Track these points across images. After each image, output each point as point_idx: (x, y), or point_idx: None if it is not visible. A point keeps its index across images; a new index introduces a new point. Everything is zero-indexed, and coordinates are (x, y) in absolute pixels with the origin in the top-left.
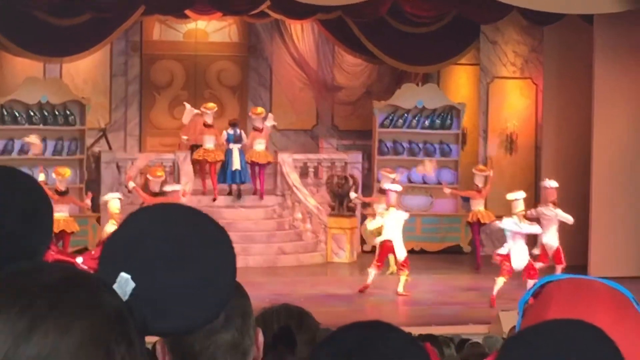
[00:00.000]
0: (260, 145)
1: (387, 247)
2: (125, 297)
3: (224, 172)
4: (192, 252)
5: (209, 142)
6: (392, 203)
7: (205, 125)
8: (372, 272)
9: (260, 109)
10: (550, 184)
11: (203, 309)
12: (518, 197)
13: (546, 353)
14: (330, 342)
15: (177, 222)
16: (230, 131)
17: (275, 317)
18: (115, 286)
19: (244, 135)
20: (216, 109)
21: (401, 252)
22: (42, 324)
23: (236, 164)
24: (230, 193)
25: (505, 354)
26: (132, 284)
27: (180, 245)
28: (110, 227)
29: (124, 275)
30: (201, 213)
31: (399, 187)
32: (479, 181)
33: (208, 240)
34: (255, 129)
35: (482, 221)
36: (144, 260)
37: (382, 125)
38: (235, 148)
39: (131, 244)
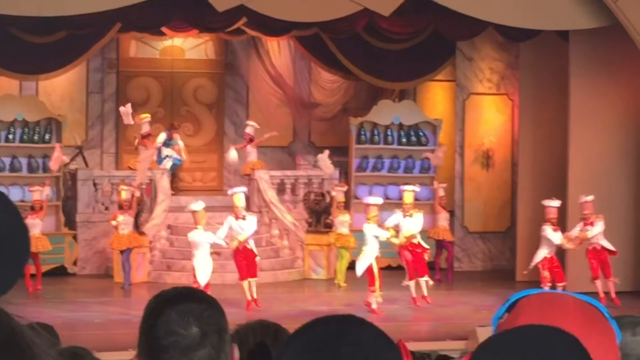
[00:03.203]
0: (254, 155)
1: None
2: None
3: None
4: None
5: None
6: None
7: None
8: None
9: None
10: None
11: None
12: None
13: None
14: (303, 333)
15: None
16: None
17: (251, 333)
18: None
19: (179, 140)
20: (149, 118)
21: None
22: None
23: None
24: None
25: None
26: None
27: None
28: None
29: None
30: None
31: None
32: (441, 193)
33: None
34: (250, 140)
35: (444, 238)
36: None
37: (358, 141)
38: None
39: None
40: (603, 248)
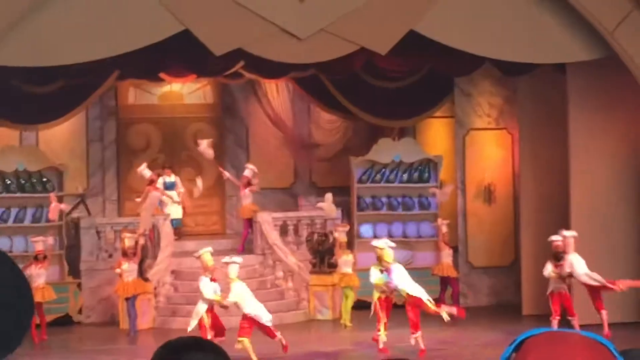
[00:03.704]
0: (250, 198)
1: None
2: None
3: None
4: None
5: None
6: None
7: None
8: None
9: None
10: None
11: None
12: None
13: None
14: None
15: None
16: (168, 178)
17: None
18: None
19: (179, 181)
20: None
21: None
22: None
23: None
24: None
25: None
26: None
27: None
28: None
29: None
30: None
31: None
32: (444, 230)
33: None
34: (247, 183)
35: (448, 275)
36: None
37: (360, 180)
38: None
39: None
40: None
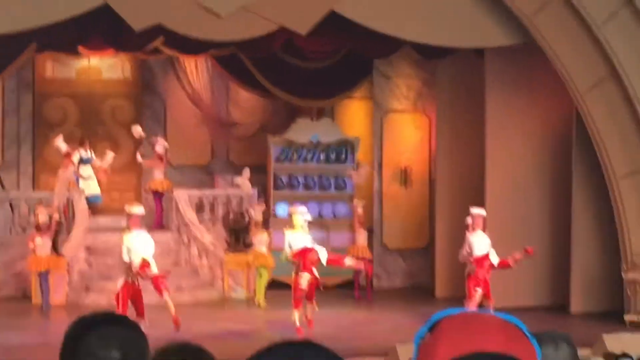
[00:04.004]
0: (160, 173)
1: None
2: None
3: None
4: None
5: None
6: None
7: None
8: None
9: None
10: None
11: None
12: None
13: None
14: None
15: None
16: (84, 153)
17: (172, 354)
18: None
19: (94, 156)
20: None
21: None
22: None
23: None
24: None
25: None
26: None
27: None
28: None
29: None
30: None
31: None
32: (360, 211)
33: None
34: (159, 158)
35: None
36: None
37: (277, 159)
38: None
39: None
40: None
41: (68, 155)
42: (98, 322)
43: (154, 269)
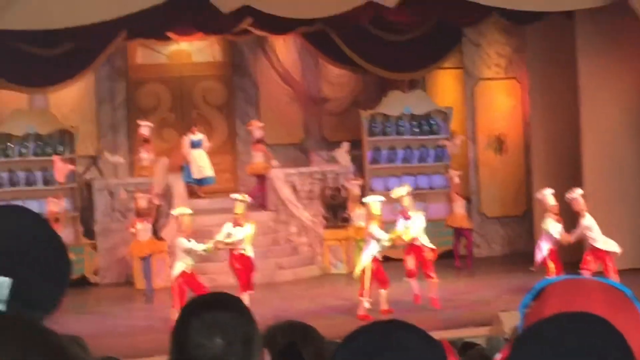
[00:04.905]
0: (260, 156)
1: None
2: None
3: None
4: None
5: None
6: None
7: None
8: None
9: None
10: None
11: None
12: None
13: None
14: (352, 341)
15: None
16: (194, 136)
17: (279, 333)
18: None
19: (205, 139)
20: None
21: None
22: None
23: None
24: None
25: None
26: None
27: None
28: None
29: None
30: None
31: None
32: (457, 181)
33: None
34: (257, 141)
35: (462, 226)
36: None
37: (370, 134)
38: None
39: None
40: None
41: (147, 141)
42: (204, 308)
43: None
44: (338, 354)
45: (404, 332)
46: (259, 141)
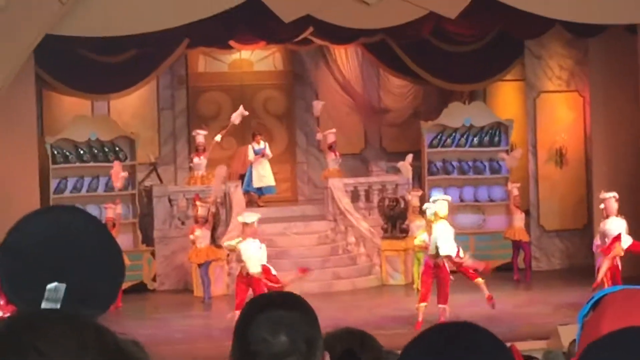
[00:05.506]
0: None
1: None
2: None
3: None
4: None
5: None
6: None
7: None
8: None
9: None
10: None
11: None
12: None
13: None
14: (420, 340)
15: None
16: (257, 145)
17: (338, 341)
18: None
19: (267, 148)
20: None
21: None
22: None
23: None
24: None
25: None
26: (62, 290)
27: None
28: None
29: (52, 286)
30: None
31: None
32: (515, 193)
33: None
34: (330, 149)
35: (520, 239)
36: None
37: (430, 145)
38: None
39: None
40: None
41: (204, 149)
42: (270, 305)
43: (274, 272)
44: (406, 351)
45: (475, 333)
46: (331, 147)
